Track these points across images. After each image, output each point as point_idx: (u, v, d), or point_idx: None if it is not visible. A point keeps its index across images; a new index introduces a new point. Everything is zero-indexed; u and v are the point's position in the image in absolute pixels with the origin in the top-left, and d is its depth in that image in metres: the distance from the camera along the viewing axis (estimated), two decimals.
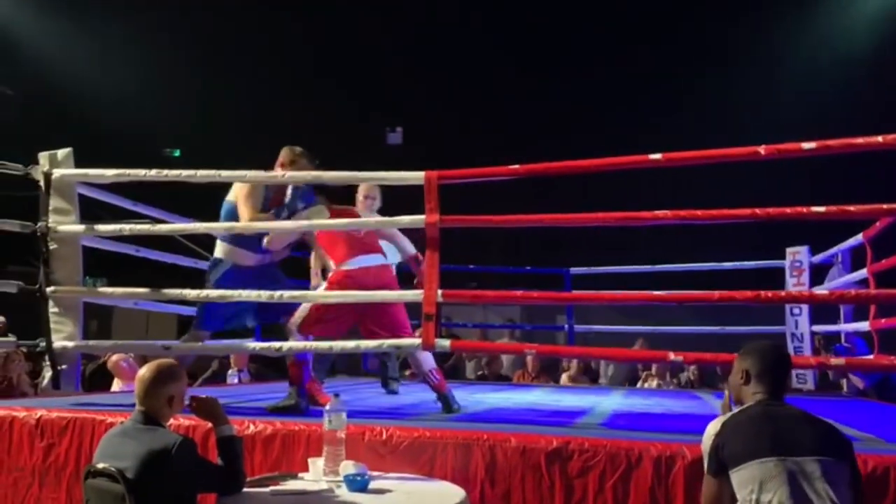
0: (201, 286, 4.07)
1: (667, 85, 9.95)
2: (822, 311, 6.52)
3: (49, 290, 3.97)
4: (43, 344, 3.99)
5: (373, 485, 2.49)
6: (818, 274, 6.49)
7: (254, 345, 4.22)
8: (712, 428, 2.24)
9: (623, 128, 9.62)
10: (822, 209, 3.14)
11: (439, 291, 3.56)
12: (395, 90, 11.27)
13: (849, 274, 5.72)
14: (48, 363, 4.02)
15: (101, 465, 2.34)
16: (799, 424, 2.14)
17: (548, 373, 7.69)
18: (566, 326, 7.36)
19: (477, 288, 8.18)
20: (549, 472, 2.67)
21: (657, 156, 3.37)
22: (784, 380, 2.35)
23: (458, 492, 2.54)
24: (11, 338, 5.45)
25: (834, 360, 3.85)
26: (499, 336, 9.46)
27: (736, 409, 2.30)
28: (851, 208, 3.12)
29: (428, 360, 4.00)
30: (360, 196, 4.74)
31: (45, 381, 4.02)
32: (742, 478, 2.07)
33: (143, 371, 2.52)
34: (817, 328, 6.33)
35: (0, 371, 5.41)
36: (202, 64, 10.96)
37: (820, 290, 5.88)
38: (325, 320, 4.03)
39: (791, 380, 6.50)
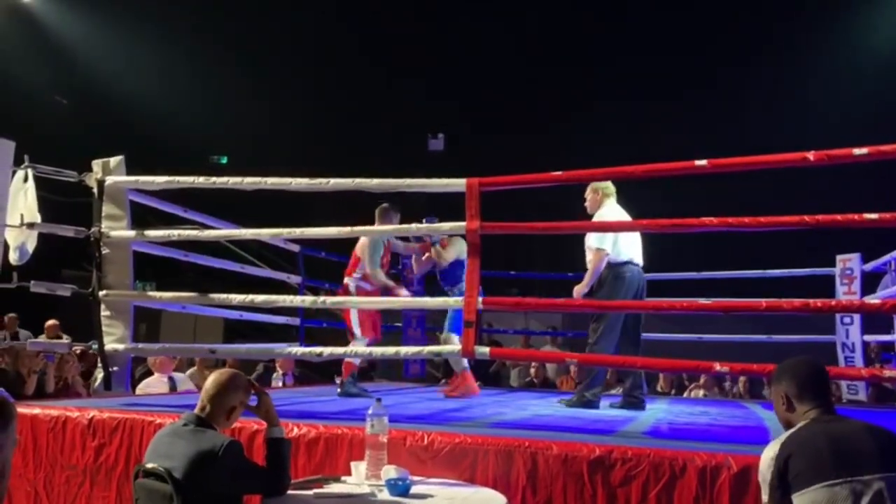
0: (247, 291, 4.14)
1: (716, 90, 9.81)
2: (875, 320, 6.33)
3: (101, 293, 4.08)
4: (95, 346, 4.11)
5: (414, 490, 2.50)
6: (870, 282, 6.31)
7: (296, 349, 4.27)
8: (770, 451, 2.11)
9: (669, 133, 9.51)
10: (874, 216, 3.05)
11: (480, 298, 3.56)
12: (436, 97, 11.33)
13: None
14: (100, 365, 4.13)
15: (150, 465, 2.40)
16: (861, 439, 2.04)
17: None
18: None
19: (519, 294, 8.17)
20: (592, 481, 2.65)
21: (703, 162, 3.32)
22: (827, 391, 2.23)
23: (500, 498, 2.53)
24: (66, 339, 5.62)
25: (888, 372, 3.74)
26: (541, 342, 9.39)
27: (792, 430, 2.15)
28: None
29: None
30: None
31: (97, 383, 4.13)
32: (805, 502, 1.98)
33: (214, 377, 2.58)
34: (869, 338, 6.16)
35: (56, 371, 5.58)
36: (249, 73, 11.17)
37: (872, 299, 5.71)
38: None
39: (842, 391, 6.33)
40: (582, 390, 4.53)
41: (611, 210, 4.56)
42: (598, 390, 4.57)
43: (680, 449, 2.68)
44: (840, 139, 3.27)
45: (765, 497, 2.10)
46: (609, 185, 4.60)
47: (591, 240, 4.44)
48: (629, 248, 4.50)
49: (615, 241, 4.43)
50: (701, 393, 7.08)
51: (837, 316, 6.13)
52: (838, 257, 6.39)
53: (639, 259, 4.57)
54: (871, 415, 4.62)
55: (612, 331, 4.43)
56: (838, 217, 3.11)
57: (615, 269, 4.44)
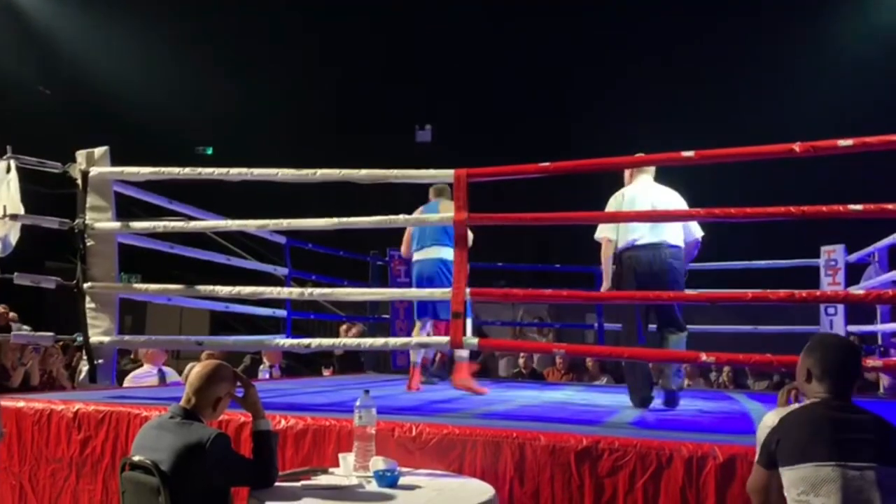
0: (233, 283, 4.12)
1: (704, 80, 9.84)
2: (858, 311, 6.40)
3: (86, 285, 4.05)
4: (80, 338, 4.07)
5: (402, 481, 2.50)
6: (854, 273, 6.37)
7: (283, 341, 4.27)
8: (770, 419, 2.18)
9: (656, 124, 9.54)
10: (859, 207, 3.07)
11: (467, 290, 3.56)
12: (424, 88, 11.30)
13: (886, 273, 5.61)
14: (85, 357, 4.10)
15: (136, 458, 2.39)
16: (864, 429, 2.06)
17: (577, 370, 7.66)
18: (596, 325, 7.33)
19: (506, 285, 8.18)
20: (579, 471, 2.66)
21: (689, 153, 3.33)
22: (849, 379, 2.23)
23: (488, 489, 2.54)
24: (25, 329, 5.56)
25: (871, 362, 3.78)
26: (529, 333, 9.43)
27: (797, 405, 2.21)
28: (889, 206, 3.05)
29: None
30: None
31: (82, 375, 4.11)
32: (793, 478, 2.03)
33: (199, 368, 2.57)
34: (853, 328, 6.22)
35: (40, 365, 5.53)
36: (234, 64, 11.09)
37: (856, 290, 5.77)
38: None
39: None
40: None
41: (636, 187, 4.11)
42: (681, 382, 4.08)
43: (666, 439, 2.69)
44: (825, 131, 3.29)
45: (758, 456, 2.17)
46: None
47: (597, 231, 4.11)
48: (633, 230, 3.99)
49: (616, 225, 4.04)
50: (686, 383, 7.13)
51: (822, 307, 6.19)
52: (823, 248, 6.44)
53: (647, 238, 3.98)
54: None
55: (628, 324, 4.10)
56: (823, 208, 3.13)
57: (617, 259, 4.06)
